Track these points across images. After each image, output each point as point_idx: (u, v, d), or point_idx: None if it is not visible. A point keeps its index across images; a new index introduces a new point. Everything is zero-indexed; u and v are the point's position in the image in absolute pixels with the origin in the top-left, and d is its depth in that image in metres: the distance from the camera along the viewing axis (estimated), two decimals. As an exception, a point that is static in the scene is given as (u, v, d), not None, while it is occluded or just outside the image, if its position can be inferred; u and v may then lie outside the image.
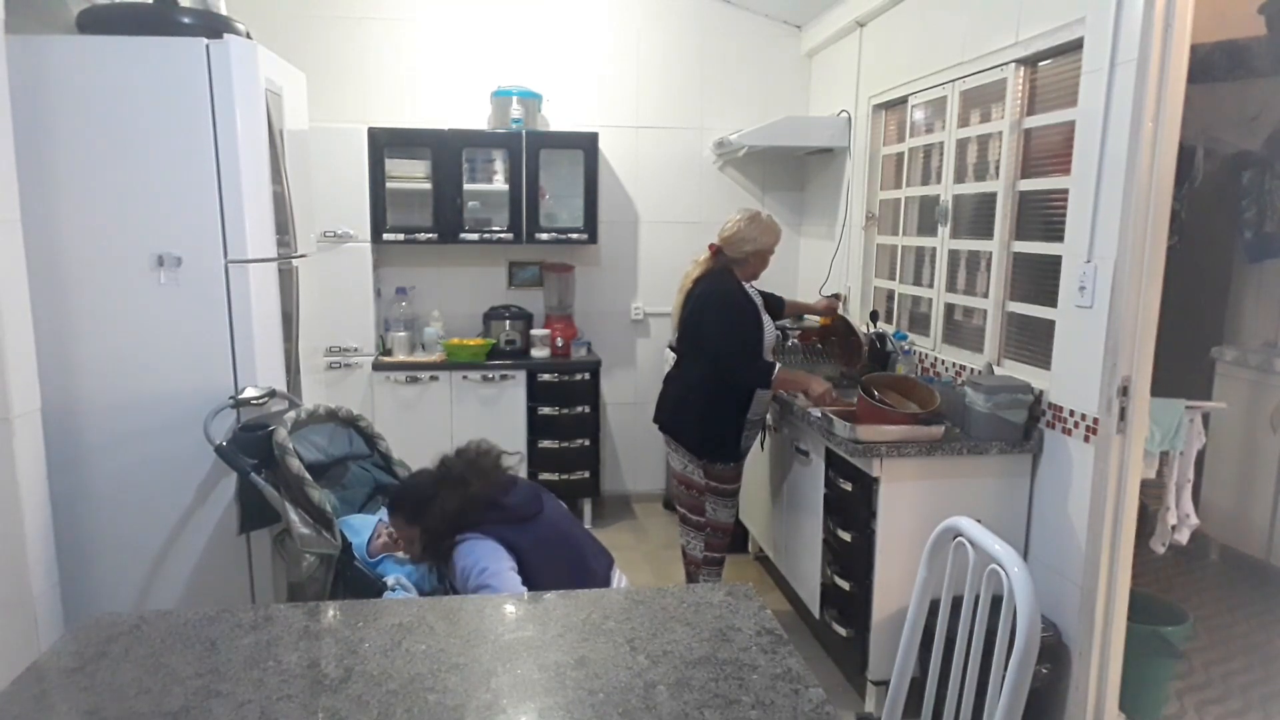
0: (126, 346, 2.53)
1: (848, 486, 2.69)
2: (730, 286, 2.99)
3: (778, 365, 2.94)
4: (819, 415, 2.81)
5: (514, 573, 1.94)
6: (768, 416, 3.27)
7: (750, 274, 3.06)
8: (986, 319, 2.95)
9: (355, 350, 4.11)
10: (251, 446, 2.35)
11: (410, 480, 2.29)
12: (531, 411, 4.18)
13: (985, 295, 2.96)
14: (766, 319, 3.04)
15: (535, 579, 1.95)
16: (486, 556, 1.95)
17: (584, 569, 2.09)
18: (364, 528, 2.31)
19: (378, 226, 4.08)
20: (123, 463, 2.57)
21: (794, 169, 4.65)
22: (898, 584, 2.57)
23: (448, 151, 4.08)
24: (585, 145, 4.18)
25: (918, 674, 1.69)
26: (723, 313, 2.94)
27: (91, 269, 2.48)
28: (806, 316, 4.27)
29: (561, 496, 2.41)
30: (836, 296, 4.04)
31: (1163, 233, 2.18)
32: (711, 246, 3.07)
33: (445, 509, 2.04)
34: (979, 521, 1.52)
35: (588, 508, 4.38)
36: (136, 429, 2.56)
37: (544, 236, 4.22)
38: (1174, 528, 2.63)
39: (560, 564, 2.05)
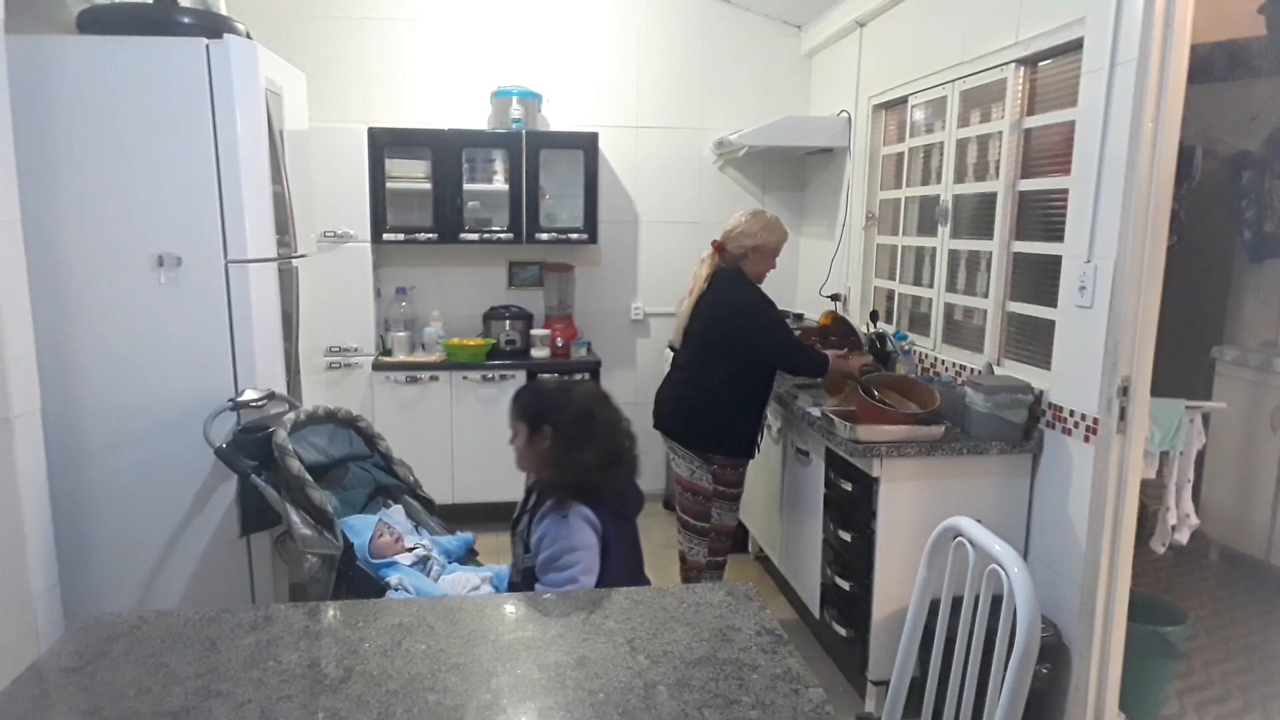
0: (126, 347, 2.53)
1: (848, 486, 2.69)
2: (746, 286, 2.99)
3: (831, 354, 2.98)
4: (819, 415, 2.82)
5: (594, 577, 1.89)
6: (769, 417, 3.27)
7: (755, 273, 3.04)
8: (986, 319, 2.95)
9: (355, 350, 4.11)
10: (251, 448, 2.35)
11: (567, 395, 2.08)
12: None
13: (985, 295, 2.96)
14: None
15: (603, 576, 1.92)
16: (585, 552, 1.87)
17: (637, 584, 2.07)
18: (364, 528, 2.31)
19: (378, 226, 4.08)
20: (123, 463, 2.57)
21: (794, 169, 4.65)
22: (898, 584, 2.57)
23: (448, 151, 4.08)
24: (585, 145, 4.18)
25: (918, 674, 1.69)
26: (753, 313, 2.94)
27: (91, 269, 2.48)
28: (805, 315, 4.27)
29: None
30: (837, 300, 4.04)
31: (1163, 233, 2.18)
32: (714, 242, 3.06)
33: (587, 460, 1.94)
34: (979, 521, 1.52)
35: (588, 508, 4.38)
36: (137, 430, 2.56)
37: (544, 236, 4.22)
38: (1174, 528, 2.63)
39: (624, 573, 2.00)
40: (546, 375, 4.13)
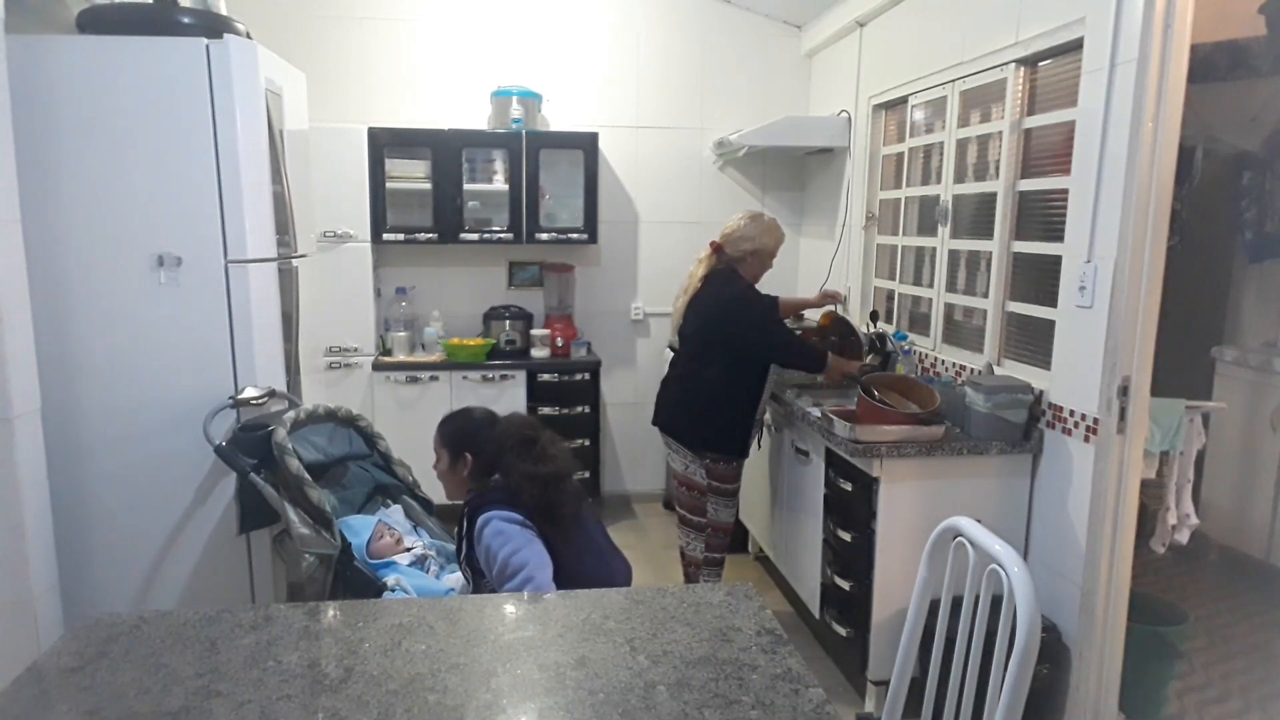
0: (126, 346, 2.53)
1: (848, 486, 2.69)
2: (743, 287, 3.02)
3: (830, 353, 3.01)
4: (819, 415, 2.82)
5: (549, 569, 1.88)
6: (766, 416, 3.28)
7: (751, 275, 3.07)
8: (986, 319, 2.95)
9: (355, 350, 4.11)
10: (251, 446, 2.35)
11: (491, 426, 2.16)
12: (531, 411, 4.18)
13: (985, 295, 2.96)
14: None
15: (561, 566, 1.91)
16: (529, 549, 1.87)
17: (609, 568, 2.07)
18: (363, 528, 2.31)
19: (378, 226, 4.08)
20: (123, 463, 2.57)
21: (794, 169, 4.65)
22: (898, 584, 2.57)
23: (448, 151, 4.08)
24: (585, 145, 4.18)
25: (918, 674, 1.69)
26: (751, 313, 2.97)
27: (91, 269, 2.48)
28: (806, 315, 4.26)
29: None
30: (835, 295, 4.04)
31: (1163, 233, 2.18)
32: (712, 243, 3.09)
33: (509, 483, 1.98)
34: (979, 521, 1.52)
35: (588, 508, 4.38)
36: (136, 429, 2.56)
37: (544, 236, 4.22)
38: (1174, 528, 2.63)
39: (573, 559, 1.99)
40: (546, 375, 4.14)
